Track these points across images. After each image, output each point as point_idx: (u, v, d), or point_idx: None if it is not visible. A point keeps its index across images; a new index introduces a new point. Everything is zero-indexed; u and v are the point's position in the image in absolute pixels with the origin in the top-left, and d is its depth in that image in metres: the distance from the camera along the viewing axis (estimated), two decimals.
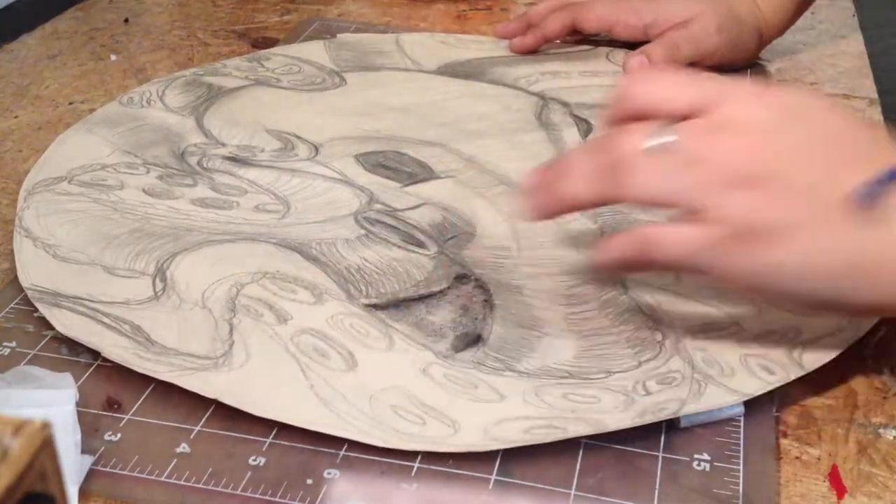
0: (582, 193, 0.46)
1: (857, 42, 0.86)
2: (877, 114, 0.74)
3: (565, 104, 0.73)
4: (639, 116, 0.45)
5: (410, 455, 0.44)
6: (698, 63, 0.77)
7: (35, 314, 0.52)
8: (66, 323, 0.50)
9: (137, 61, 0.81)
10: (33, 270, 0.54)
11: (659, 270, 0.50)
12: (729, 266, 0.44)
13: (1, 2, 0.88)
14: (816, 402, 0.48)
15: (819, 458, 0.45)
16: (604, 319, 0.52)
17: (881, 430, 0.46)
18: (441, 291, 0.53)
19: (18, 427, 0.25)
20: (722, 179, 0.43)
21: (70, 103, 0.75)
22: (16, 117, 0.72)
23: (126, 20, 0.89)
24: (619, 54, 0.80)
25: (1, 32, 0.84)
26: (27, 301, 0.53)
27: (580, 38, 0.83)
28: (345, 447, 0.44)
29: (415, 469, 0.43)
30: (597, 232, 0.58)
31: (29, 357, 0.49)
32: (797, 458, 0.45)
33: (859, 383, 0.49)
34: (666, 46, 0.76)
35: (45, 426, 0.25)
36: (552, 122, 0.71)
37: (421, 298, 0.52)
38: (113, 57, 0.82)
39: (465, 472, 0.43)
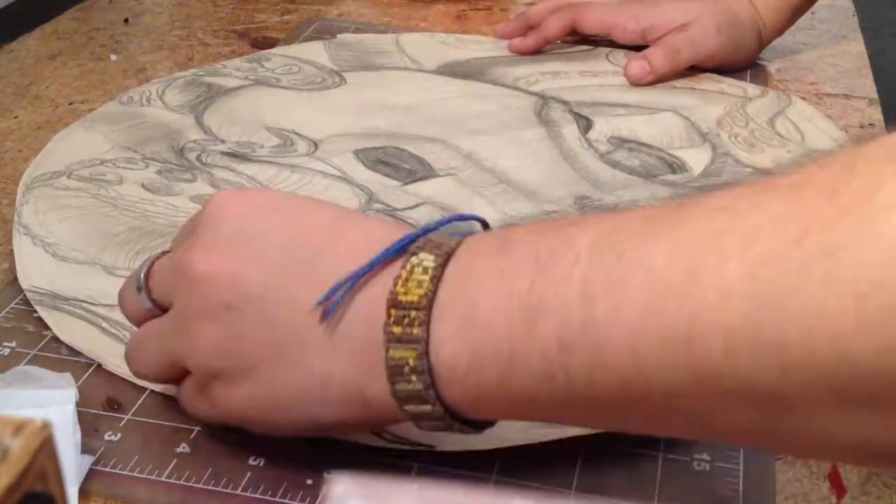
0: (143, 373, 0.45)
1: (857, 42, 0.86)
2: (877, 114, 0.74)
3: (565, 103, 0.73)
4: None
5: (410, 455, 0.44)
6: (698, 65, 0.77)
7: (35, 314, 0.52)
8: (66, 329, 0.50)
9: (137, 61, 0.81)
10: (33, 271, 0.54)
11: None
12: (211, 410, 0.42)
13: (1, 2, 0.88)
14: None
15: None
16: None
17: None
18: None
19: (18, 427, 0.25)
20: (179, 325, 0.41)
21: (70, 103, 0.74)
22: (16, 117, 0.72)
23: (126, 20, 0.89)
24: (620, 55, 0.81)
25: (1, 32, 0.84)
26: (27, 301, 0.53)
27: (580, 39, 0.83)
28: (346, 448, 0.44)
29: (415, 468, 0.43)
30: None
31: (29, 357, 0.49)
32: (797, 458, 0.44)
33: None
34: (666, 50, 0.76)
35: (46, 426, 0.25)
36: (552, 119, 0.71)
37: None
38: (113, 57, 0.82)
39: (465, 472, 0.43)
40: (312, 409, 0.40)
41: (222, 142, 0.67)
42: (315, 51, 0.81)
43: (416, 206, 0.60)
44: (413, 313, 0.36)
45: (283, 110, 0.71)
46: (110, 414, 0.46)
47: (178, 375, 0.43)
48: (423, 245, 0.38)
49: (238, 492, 0.42)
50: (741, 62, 0.79)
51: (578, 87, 0.76)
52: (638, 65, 0.76)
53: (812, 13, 0.90)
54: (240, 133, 0.68)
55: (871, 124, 0.72)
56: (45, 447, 0.25)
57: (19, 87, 0.77)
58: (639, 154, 0.67)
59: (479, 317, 0.36)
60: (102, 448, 0.44)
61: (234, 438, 0.45)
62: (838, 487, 0.43)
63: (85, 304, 0.52)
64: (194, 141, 0.67)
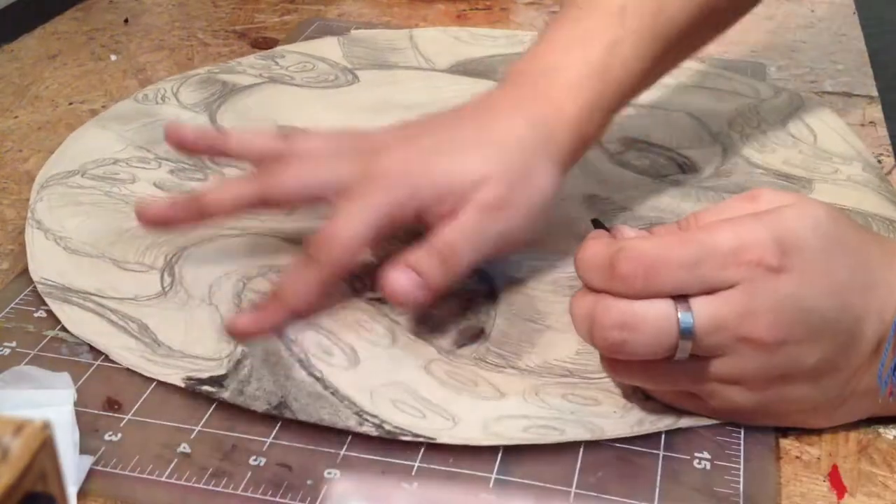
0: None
1: (857, 40, 0.86)
2: (877, 111, 0.74)
3: None
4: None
5: (411, 454, 0.44)
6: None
7: (35, 314, 0.52)
8: (76, 320, 0.50)
9: (137, 62, 0.81)
10: (44, 263, 0.54)
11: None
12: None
13: (1, 2, 0.88)
14: None
15: (819, 458, 0.45)
16: None
17: (881, 430, 0.46)
18: None
19: (19, 427, 0.25)
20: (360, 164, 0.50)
21: (70, 103, 0.75)
22: (16, 117, 0.72)
23: (126, 20, 0.89)
24: None
25: (1, 32, 0.84)
26: (27, 301, 0.53)
27: None
28: (345, 447, 0.44)
29: (415, 468, 0.43)
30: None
31: (29, 357, 0.49)
32: (797, 457, 0.45)
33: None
34: (440, 255, 0.48)
35: (46, 426, 0.25)
36: None
37: None
38: (113, 57, 0.82)
39: (465, 471, 0.43)
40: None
41: None
42: (329, 47, 0.81)
43: None
44: None
45: (296, 109, 0.71)
46: (110, 414, 0.46)
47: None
48: None
49: (238, 492, 0.42)
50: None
51: None
52: (406, 278, 0.47)
53: (812, 11, 0.90)
54: None
55: (871, 122, 0.72)
56: (46, 447, 0.25)
57: (19, 87, 0.77)
58: (648, 154, 0.66)
59: None
60: (102, 448, 0.44)
61: (234, 439, 0.45)
62: (838, 487, 0.43)
63: (94, 297, 0.52)
64: None
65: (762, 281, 0.40)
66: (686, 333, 0.40)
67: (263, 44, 0.84)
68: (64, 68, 0.80)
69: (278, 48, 0.81)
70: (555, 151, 0.50)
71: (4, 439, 0.25)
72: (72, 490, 0.41)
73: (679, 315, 0.40)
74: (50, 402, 0.44)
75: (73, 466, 0.41)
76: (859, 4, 0.92)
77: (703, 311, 0.40)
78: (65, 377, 0.46)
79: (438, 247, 0.48)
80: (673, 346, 0.41)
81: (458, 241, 0.48)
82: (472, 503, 0.31)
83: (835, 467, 0.44)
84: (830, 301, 0.40)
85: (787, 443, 0.45)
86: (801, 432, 0.46)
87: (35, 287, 0.53)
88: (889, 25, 0.90)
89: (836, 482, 0.43)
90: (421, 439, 0.44)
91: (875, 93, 0.77)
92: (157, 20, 0.90)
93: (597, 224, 0.47)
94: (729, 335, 0.40)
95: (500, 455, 0.44)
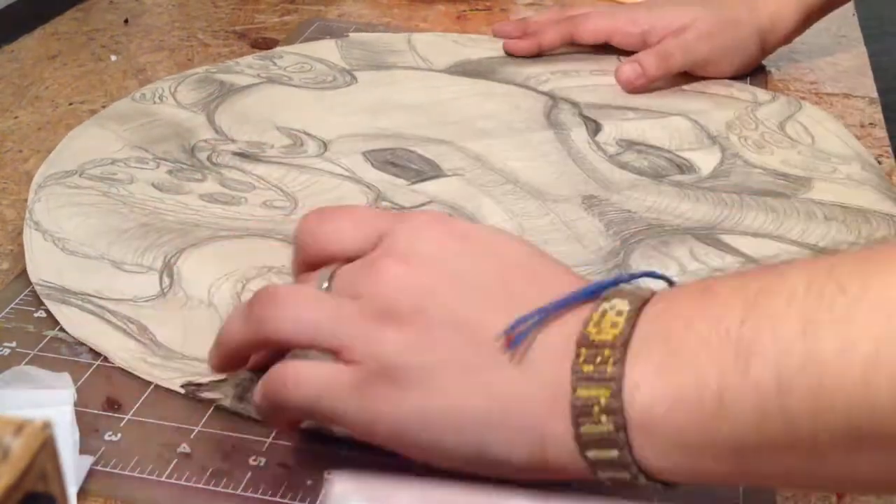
0: (235, 336, 0.43)
1: (857, 41, 0.86)
2: (877, 113, 0.74)
3: (575, 104, 0.73)
4: (319, 262, 0.43)
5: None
6: (693, 70, 0.76)
7: (35, 314, 0.52)
8: (74, 321, 0.50)
9: (137, 62, 0.81)
10: (42, 265, 0.54)
11: (300, 417, 0.43)
12: (363, 411, 0.39)
13: (1, 2, 0.88)
14: None
15: None
16: None
17: None
18: None
19: (19, 427, 0.25)
20: (365, 315, 0.39)
21: (70, 104, 0.74)
22: (16, 118, 0.72)
23: (126, 21, 0.89)
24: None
25: (1, 32, 0.84)
26: (27, 301, 0.53)
27: (579, 50, 0.82)
28: (345, 447, 0.44)
29: (415, 469, 0.43)
30: (603, 229, 0.58)
31: (29, 357, 0.49)
32: None
33: None
34: (658, 54, 0.75)
35: (46, 426, 0.25)
36: (561, 122, 0.71)
37: None
38: (113, 57, 0.82)
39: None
40: (485, 436, 0.38)
41: (233, 141, 0.67)
42: (327, 49, 0.81)
43: (424, 204, 0.60)
44: (606, 352, 0.36)
45: (294, 110, 0.71)
46: (110, 414, 0.46)
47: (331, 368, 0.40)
48: (615, 293, 0.38)
49: (238, 492, 0.42)
50: (740, 67, 0.78)
51: (589, 86, 0.76)
52: (630, 68, 0.74)
53: None
54: (250, 133, 0.68)
55: (871, 123, 0.72)
56: (46, 447, 0.25)
57: (19, 87, 0.77)
58: (647, 156, 0.66)
59: (683, 356, 0.35)
60: (102, 448, 0.44)
61: (234, 439, 0.45)
62: None
63: (93, 299, 0.52)
64: (205, 140, 0.67)
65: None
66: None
67: (263, 44, 0.84)
68: (64, 69, 0.80)
69: (277, 49, 0.82)
70: (755, 11, 0.76)
71: (5, 439, 0.25)
72: (72, 490, 0.41)
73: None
74: (50, 402, 0.44)
75: (72, 466, 0.41)
76: (859, 5, 0.92)
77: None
78: (65, 377, 0.46)
79: (659, 50, 0.75)
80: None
81: (674, 48, 0.75)
82: (473, 503, 0.30)
83: None
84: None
85: None
86: None
87: (34, 287, 0.53)
88: (889, 26, 0.90)
89: None
90: None
91: (875, 94, 0.77)
92: (157, 20, 0.90)
93: None
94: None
95: None
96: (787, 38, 0.79)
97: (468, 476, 0.39)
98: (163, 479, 0.42)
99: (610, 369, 0.35)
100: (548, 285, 0.39)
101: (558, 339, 0.37)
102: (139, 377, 0.47)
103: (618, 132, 0.69)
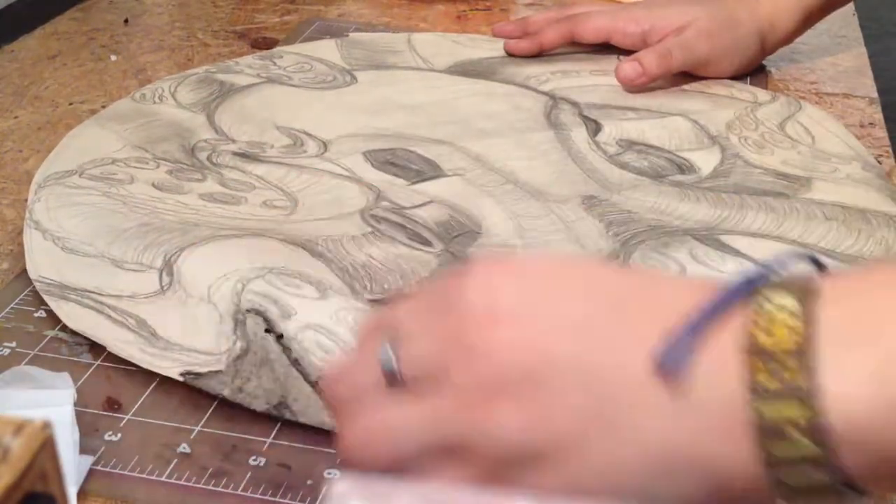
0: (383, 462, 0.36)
1: (857, 41, 0.86)
2: (877, 113, 0.74)
3: (575, 104, 0.73)
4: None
5: None
6: (693, 70, 0.76)
7: (35, 314, 0.52)
8: (74, 316, 0.51)
9: (137, 62, 0.81)
10: (42, 263, 0.54)
11: None
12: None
13: (1, 2, 0.88)
14: None
15: None
16: None
17: None
18: None
19: (19, 427, 0.25)
20: (468, 402, 0.33)
21: (70, 104, 0.75)
22: (16, 117, 0.72)
23: (126, 21, 0.89)
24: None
25: (1, 33, 0.84)
26: (27, 301, 0.53)
27: (579, 50, 0.83)
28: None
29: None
30: (603, 230, 0.58)
31: (29, 357, 0.49)
32: None
33: None
34: (658, 53, 0.75)
35: (46, 426, 0.25)
36: (561, 122, 0.71)
37: None
38: (113, 57, 0.82)
39: None
40: (650, 484, 0.33)
41: (233, 141, 0.67)
42: (327, 49, 0.81)
43: (424, 204, 0.60)
44: (791, 361, 0.31)
45: (294, 109, 0.72)
46: (110, 414, 0.46)
47: (430, 465, 0.35)
48: (768, 288, 0.32)
49: (238, 492, 0.42)
50: (740, 67, 0.78)
51: (589, 86, 0.76)
52: (630, 66, 0.74)
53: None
54: (250, 132, 0.68)
55: (871, 123, 0.72)
56: (46, 447, 0.25)
57: (19, 87, 0.77)
58: (647, 156, 0.67)
59: None
60: (102, 448, 0.44)
61: (234, 439, 0.45)
62: None
63: (92, 295, 0.52)
64: (205, 140, 0.67)
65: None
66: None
67: (263, 44, 0.84)
68: (64, 68, 0.80)
69: (276, 49, 0.82)
70: (755, 11, 0.77)
71: (5, 439, 0.25)
72: (72, 490, 0.41)
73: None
74: (50, 402, 0.44)
75: (73, 466, 0.41)
76: (859, 5, 0.92)
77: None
78: (65, 377, 0.46)
79: (659, 49, 0.75)
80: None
81: (674, 46, 0.75)
82: (474, 503, 0.30)
83: None
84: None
85: None
86: None
87: (34, 287, 0.53)
88: (889, 26, 0.90)
89: None
90: None
91: (875, 94, 0.77)
92: (157, 20, 0.90)
93: None
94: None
95: None
96: (788, 39, 0.79)
97: None
98: (163, 478, 0.43)
99: (801, 381, 0.30)
100: (661, 301, 0.34)
101: (716, 355, 0.32)
102: (139, 377, 0.48)
103: (618, 132, 0.69)
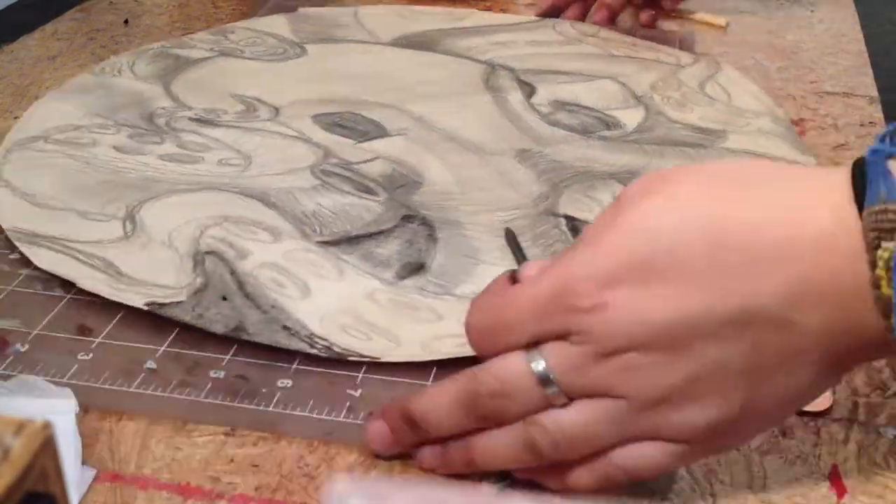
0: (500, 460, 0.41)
1: (857, 41, 0.87)
2: (877, 112, 0.74)
3: (511, 70, 0.78)
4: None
5: (355, 367, 0.48)
6: None
7: (10, 255, 0.56)
8: (44, 258, 0.55)
9: None
10: (12, 215, 0.58)
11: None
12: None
13: (1, 2, 0.89)
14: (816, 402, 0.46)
15: (819, 458, 0.44)
16: (536, 250, 0.56)
17: (881, 430, 0.46)
18: (389, 229, 0.58)
19: (20, 427, 0.25)
20: (653, 399, 0.37)
21: None
22: (16, 118, 0.73)
23: (126, 21, 0.91)
24: (565, 24, 0.86)
25: (1, 33, 0.86)
26: (0, 246, 0.56)
27: (516, 25, 0.87)
28: (296, 362, 0.48)
29: (360, 378, 0.48)
30: (535, 177, 0.63)
31: (6, 293, 0.53)
32: (797, 457, 0.44)
33: (859, 383, 0.49)
34: None
35: (47, 426, 0.25)
36: (499, 86, 0.75)
37: (370, 235, 0.57)
38: (113, 58, 0.83)
39: (403, 380, 0.48)
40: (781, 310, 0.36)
41: (189, 108, 0.71)
42: (277, 24, 0.86)
43: (371, 160, 0.65)
44: None
45: (247, 79, 0.76)
46: (82, 338, 0.50)
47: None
48: None
49: (200, 398, 0.46)
50: None
51: (525, 55, 0.81)
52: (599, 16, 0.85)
53: (811, 11, 0.92)
54: (206, 101, 0.73)
55: (871, 122, 0.72)
56: (46, 447, 0.25)
57: (19, 87, 0.78)
58: (577, 115, 0.71)
59: None
60: (76, 366, 0.48)
61: (196, 356, 0.49)
62: (838, 487, 0.43)
63: (61, 241, 0.56)
64: (163, 108, 0.71)
65: (586, 324, 0.37)
66: (544, 380, 0.38)
67: None
68: (64, 69, 0.81)
69: (228, 25, 0.86)
70: None
71: (5, 439, 0.25)
72: (73, 500, 0.41)
73: (532, 365, 0.38)
74: (53, 411, 0.44)
75: (75, 475, 0.42)
76: (859, 4, 0.94)
77: (551, 356, 0.38)
78: (67, 391, 0.46)
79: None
80: (538, 396, 0.38)
81: None
82: (474, 503, 0.33)
83: (835, 467, 0.44)
84: (697, 305, 0.36)
85: (787, 443, 0.45)
86: (801, 432, 0.46)
87: (6, 233, 0.57)
88: (889, 25, 0.92)
89: (836, 482, 0.43)
90: (367, 359, 0.48)
91: (875, 93, 0.77)
92: (157, 21, 0.91)
93: (509, 237, 0.56)
94: (593, 376, 0.38)
95: (434, 370, 0.48)
96: None
97: (468, 478, 0.43)
98: (131, 389, 0.47)
99: None
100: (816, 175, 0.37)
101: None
102: (107, 308, 0.51)
103: (551, 94, 0.74)
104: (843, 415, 0.47)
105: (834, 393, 0.47)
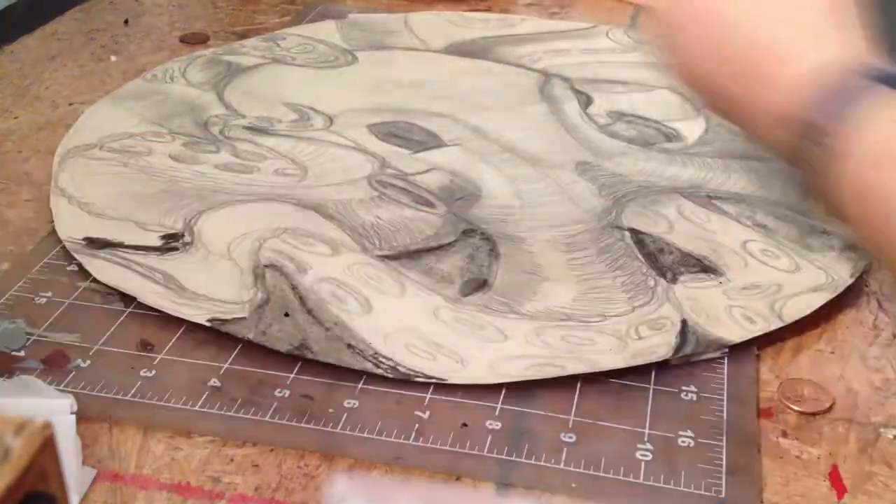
0: None
1: None
2: None
3: (566, 79, 0.77)
4: None
5: (423, 387, 0.47)
6: None
7: (68, 268, 0.55)
8: (103, 271, 0.54)
9: (137, 62, 0.82)
10: (70, 225, 0.58)
11: None
12: None
13: (1, 2, 0.89)
14: (816, 402, 0.48)
15: (819, 458, 0.45)
16: (601, 265, 0.55)
17: (881, 430, 0.46)
18: (449, 243, 0.57)
19: (20, 427, 0.25)
20: None
21: (70, 104, 0.75)
22: (16, 118, 0.73)
23: (126, 21, 0.90)
24: (619, 32, 0.84)
25: (1, 33, 0.85)
26: (59, 257, 0.56)
27: (569, 31, 0.86)
28: (362, 381, 0.47)
29: (427, 399, 0.47)
30: (596, 191, 0.62)
31: (65, 305, 0.52)
32: (797, 457, 0.45)
33: (859, 383, 0.49)
34: None
35: (47, 426, 0.25)
36: (554, 96, 0.74)
37: (430, 250, 0.56)
38: (113, 58, 0.83)
39: (473, 402, 0.47)
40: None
41: (243, 116, 0.71)
42: (327, 31, 0.85)
43: (427, 171, 0.64)
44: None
45: (299, 87, 0.75)
46: (144, 354, 0.49)
47: None
48: None
49: (266, 419, 0.45)
50: None
51: (579, 63, 0.79)
52: None
53: None
54: (259, 109, 0.72)
55: None
56: (47, 447, 0.25)
57: (19, 87, 0.78)
58: (636, 126, 0.70)
59: None
60: (139, 383, 0.47)
61: (260, 375, 0.48)
62: (838, 487, 0.43)
63: (119, 251, 0.55)
64: (217, 116, 0.71)
65: None
66: None
67: None
68: (64, 69, 0.81)
69: (279, 31, 0.85)
70: None
71: (5, 439, 0.25)
72: (74, 500, 0.41)
73: None
74: (52, 411, 0.44)
75: (75, 474, 0.42)
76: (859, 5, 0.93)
77: None
78: (65, 395, 0.46)
79: None
80: None
81: None
82: (474, 503, 0.32)
83: (835, 467, 0.44)
84: None
85: (787, 443, 0.45)
86: (801, 432, 0.46)
87: (64, 247, 0.56)
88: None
89: (836, 482, 0.43)
90: (433, 381, 0.47)
91: None
92: (157, 21, 0.91)
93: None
94: None
95: (503, 391, 0.47)
96: None
97: (468, 478, 0.42)
98: (196, 408, 0.46)
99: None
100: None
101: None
102: (168, 323, 0.51)
103: (608, 104, 0.73)
104: (843, 415, 0.47)
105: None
